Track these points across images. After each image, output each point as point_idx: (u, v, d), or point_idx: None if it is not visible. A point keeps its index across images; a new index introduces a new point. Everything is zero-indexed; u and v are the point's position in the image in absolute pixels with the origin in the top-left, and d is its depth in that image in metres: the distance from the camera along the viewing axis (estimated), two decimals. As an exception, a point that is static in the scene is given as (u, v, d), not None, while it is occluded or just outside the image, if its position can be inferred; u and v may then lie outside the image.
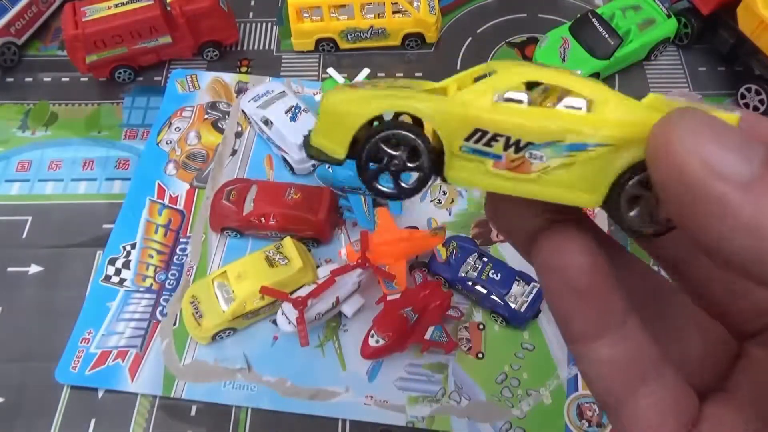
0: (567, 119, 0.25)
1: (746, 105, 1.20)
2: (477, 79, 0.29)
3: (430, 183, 0.28)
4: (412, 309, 0.90)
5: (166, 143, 1.17)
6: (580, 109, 0.25)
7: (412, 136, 0.27)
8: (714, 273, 0.31)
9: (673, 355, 0.30)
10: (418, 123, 0.27)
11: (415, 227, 1.03)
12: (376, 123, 0.27)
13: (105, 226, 1.07)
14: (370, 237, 0.95)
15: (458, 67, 1.29)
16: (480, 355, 0.95)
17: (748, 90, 1.19)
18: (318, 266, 0.98)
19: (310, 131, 0.31)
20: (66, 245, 1.06)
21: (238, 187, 1.05)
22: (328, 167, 1.05)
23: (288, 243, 0.97)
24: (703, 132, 0.22)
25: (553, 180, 0.26)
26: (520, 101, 0.26)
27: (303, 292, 0.91)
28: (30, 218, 1.09)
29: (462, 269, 0.96)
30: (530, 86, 0.26)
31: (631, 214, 0.26)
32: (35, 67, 1.30)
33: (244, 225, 1.02)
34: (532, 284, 0.95)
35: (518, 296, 0.94)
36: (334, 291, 0.93)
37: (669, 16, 1.24)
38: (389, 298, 0.93)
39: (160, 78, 1.28)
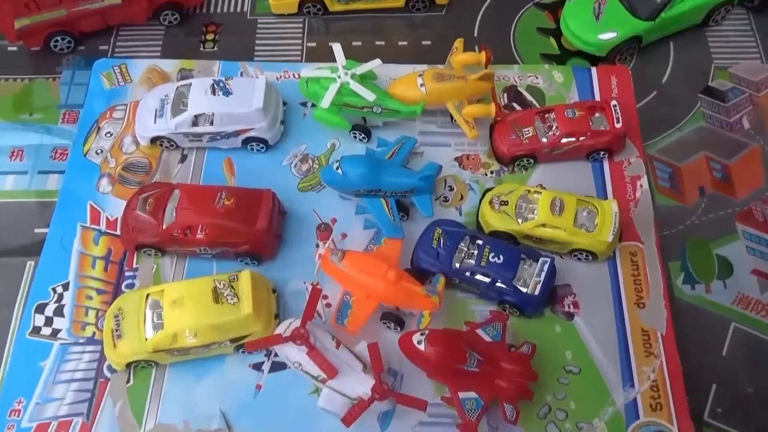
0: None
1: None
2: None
3: None
4: (478, 356, 0.78)
5: (96, 153, 1.00)
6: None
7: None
8: None
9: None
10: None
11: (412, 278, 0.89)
12: None
13: (37, 230, 0.93)
14: (352, 253, 0.86)
15: (475, 34, 1.14)
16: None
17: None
18: (277, 318, 0.86)
19: None
20: (-15, 260, 0.90)
21: (156, 193, 0.91)
22: (336, 167, 0.90)
23: (245, 278, 0.84)
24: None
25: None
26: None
27: (282, 329, 0.80)
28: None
29: (455, 259, 0.85)
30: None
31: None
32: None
33: (164, 241, 0.88)
34: (541, 260, 0.84)
35: (527, 278, 0.84)
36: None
37: (735, -29, 1.08)
38: (341, 330, 0.83)
39: (106, 47, 1.11)
